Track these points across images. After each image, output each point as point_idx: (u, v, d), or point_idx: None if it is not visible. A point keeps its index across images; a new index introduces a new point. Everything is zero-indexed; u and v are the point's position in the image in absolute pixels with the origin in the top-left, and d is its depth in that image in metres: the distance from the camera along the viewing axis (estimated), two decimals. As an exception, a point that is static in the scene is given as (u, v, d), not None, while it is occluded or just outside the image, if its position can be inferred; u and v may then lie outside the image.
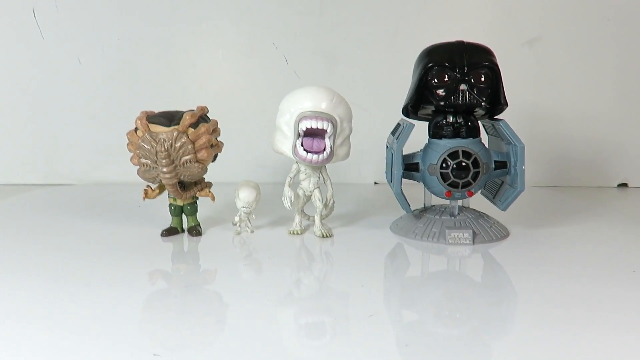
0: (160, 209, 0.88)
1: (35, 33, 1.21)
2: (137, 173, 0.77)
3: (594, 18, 1.17)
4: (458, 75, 0.73)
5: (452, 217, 0.80)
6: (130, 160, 0.77)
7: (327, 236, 0.81)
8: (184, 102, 0.86)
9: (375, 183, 1.26)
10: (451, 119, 0.77)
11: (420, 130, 0.80)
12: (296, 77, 1.22)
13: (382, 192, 1.17)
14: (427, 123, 0.81)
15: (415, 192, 0.86)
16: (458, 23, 1.19)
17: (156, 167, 0.75)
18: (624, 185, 1.23)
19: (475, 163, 0.74)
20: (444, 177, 0.75)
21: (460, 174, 0.74)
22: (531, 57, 1.19)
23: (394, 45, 1.20)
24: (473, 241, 0.76)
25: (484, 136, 0.80)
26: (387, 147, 0.83)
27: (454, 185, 0.75)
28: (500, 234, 0.79)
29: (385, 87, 1.20)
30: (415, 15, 1.19)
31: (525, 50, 1.19)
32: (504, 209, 0.79)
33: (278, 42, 1.21)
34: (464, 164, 0.74)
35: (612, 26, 1.17)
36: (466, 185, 0.75)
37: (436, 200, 0.83)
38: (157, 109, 0.79)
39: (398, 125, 0.83)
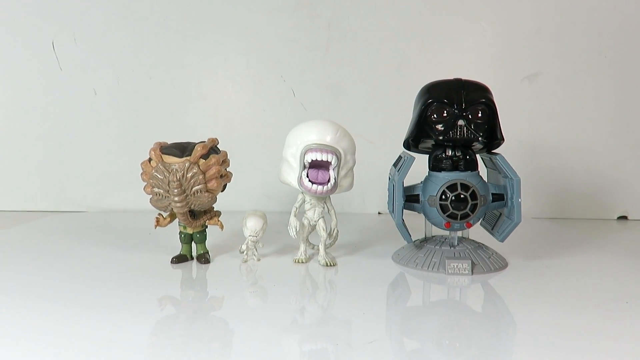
0: (171, 237, 0.88)
1: (54, 65, 1.24)
2: (150, 202, 0.79)
3: (591, 54, 1.19)
4: (456, 111, 0.75)
5: (452, 248, 0.80)
6: (144, 189, 0.78)
7: (331, 265, 0.82)
8: (195, 133, 0.87)
9: (379, 213, 1.27)
10: (450, 152, 0.78)
11: (421, 163, 0.82)
12: (303, 109, 1.24)
13: (385, 222, 1.17)
14: (427, 156, 0.83)
15: (417, 222, 0.86)
16: (459, 59, 1.22)
17: (168, 196, 0.76)
18: (623, 217, 1.23)
19: (473, 195, 0.76)
20: (443, 208, 0.77)
21: (459, 206, 0.76)
22: (531, 92, 1.21)
23: (398, 79, 1.22)
24: (472, 271, 0.77)
25: (482, 169, 0.82)
26: (389, 178, 0.85)
27: (452, 216, 0.76)
28: (499, 264, 0.80)
29: (389, 119, 1.22)
30: (418, 51, 1.22)
31: (525, 85, 1.21)
32: (502, 240, 0.80)
33: (286, 75, 1.24)
34: (462, 196, 0.75)
35: (608, 62, 1.19)
36: (464, 216, 0.76)
37: (437, 231, 0.84)
38: (169, 139, 0.82)
39: (400, 157, 0.84)
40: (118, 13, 1.24)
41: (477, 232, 0.86)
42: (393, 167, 0.85)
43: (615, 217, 1.24)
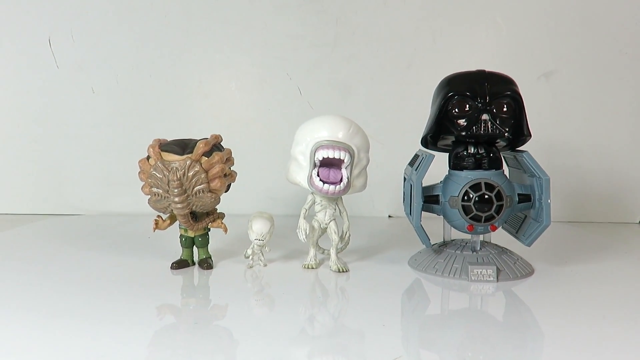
0: (171, 241, 0.87)
1: (51, 62, 1.23)
2: (148, 202, 0.76)
3: (611, 51, 1.17)
4: (480, 104, 0.72)
5: (474, 253, 0.77)
6: (142, 189, 0.76)
7: (343, 271, 0.79)
8: (197, 133, 0.86)
9: (389, 216, 1.25)
10: (472, 149, 0.75)
11: (438, 161, 0.79)
12: (310, 108, 1.22)
13: (397, 225, 1.15)
14: (446, 154, 0.79)
15: (433, 225, 0.84)
16: (473, 56, 1.20)
17: (168, 197, 0.74)
18: (645, 221, 1.20)
19: (499, 196, 0.72)
20: (465, 210, 0.73)
21: (483, 207, 0.72)
22: (547, 90, 1.18)
23: (407, 77, 1.20)
24: (497, 278, 0.73)
25: (505, 168, 0.79)
26: (404, 178, 0.82)
27: (476, 218, 0.73)
28: (525, 270, 0.76)
29: (398, 119, 1.20)
30: (428, 48, 1.20)
31: (541, 83, 1.18)
32: (529, 245, 0.77)
33: (292, 73, 1.22)
34: (486, 196, 0.72)
35: (629, 59, 1.16)
36: (489, 219, 0.73)
37: (456, 234, 0.81)
38: (170, 139, 0.79)
39: (416, 156, 0.81)
40: (117, 9, 1.22)
41: (498, 235, 0.83)
42: (409, 166, 0.82)
43: (637, 221, 1.21)
